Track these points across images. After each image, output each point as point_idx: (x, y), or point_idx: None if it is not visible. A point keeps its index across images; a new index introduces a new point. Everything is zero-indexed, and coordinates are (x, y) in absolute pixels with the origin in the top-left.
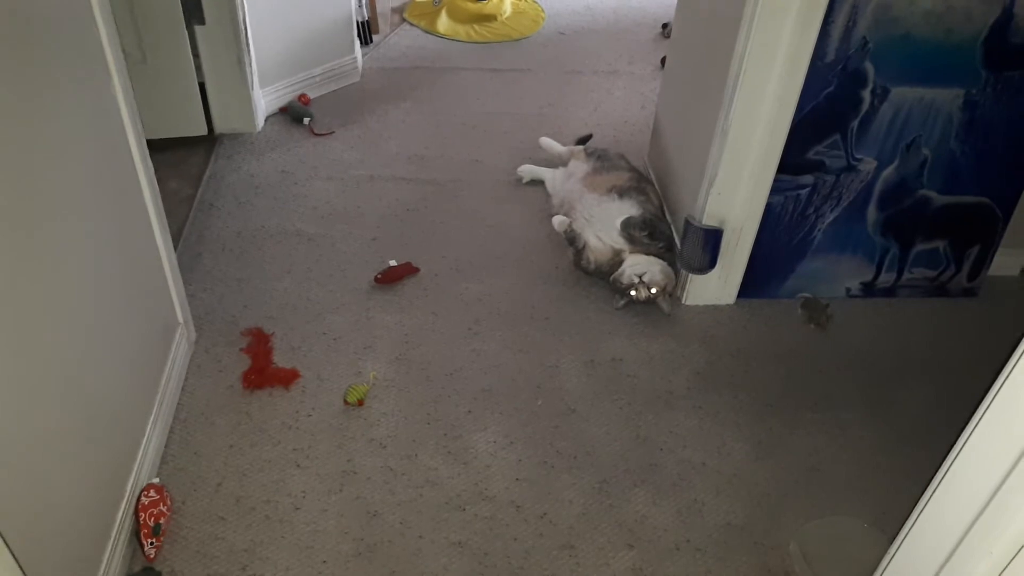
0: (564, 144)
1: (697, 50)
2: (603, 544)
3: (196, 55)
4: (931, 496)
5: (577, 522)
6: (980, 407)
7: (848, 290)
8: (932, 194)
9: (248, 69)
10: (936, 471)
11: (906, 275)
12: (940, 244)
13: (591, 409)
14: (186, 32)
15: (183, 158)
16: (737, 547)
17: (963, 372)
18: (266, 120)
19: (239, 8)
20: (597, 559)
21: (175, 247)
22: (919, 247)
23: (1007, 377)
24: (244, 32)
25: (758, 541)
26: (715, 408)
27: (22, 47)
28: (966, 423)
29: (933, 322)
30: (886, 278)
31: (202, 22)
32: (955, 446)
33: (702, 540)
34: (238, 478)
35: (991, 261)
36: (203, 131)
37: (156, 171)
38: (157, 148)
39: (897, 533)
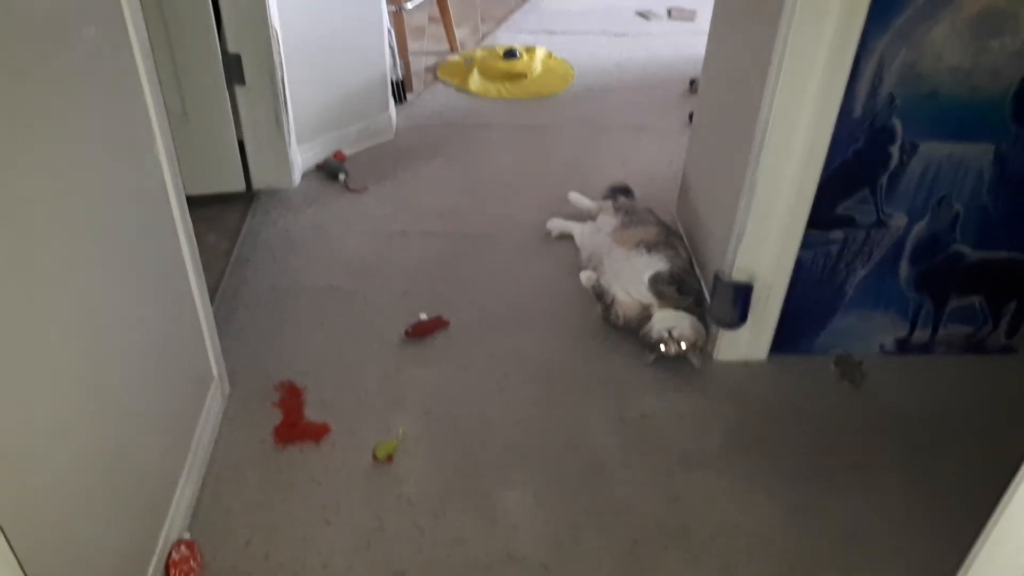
0: (593, 199)
1: (724, 106)
2: None
3: (236, 113)
4: (972, 563)
5: None
6: (1021, 468)
7: (882, 346)
8: (966, 249)
9: (286, 128)
10: (977, 536)
11: (941, 331)
12: (976, 300)
13: (621, 467)
14: (227, 92)
15: (221, 213)
16: None
17: (1003, 431)
18: (302, 176)
19: (278, 69)
20: None
21: (211, 301)
22: (954, 303)
23: None
24: (283, 92)
25: None
26: (747, 467)
27: (70, 106)
28: (1007, 485)
29: (971, 380)
30: (921, 334)
31: (243, 82)
32: (996, 510)
33: None
34: (267, 534)
35: None
36: (241, 187)
37: (194, 226)
38: (196, 203)
39: None
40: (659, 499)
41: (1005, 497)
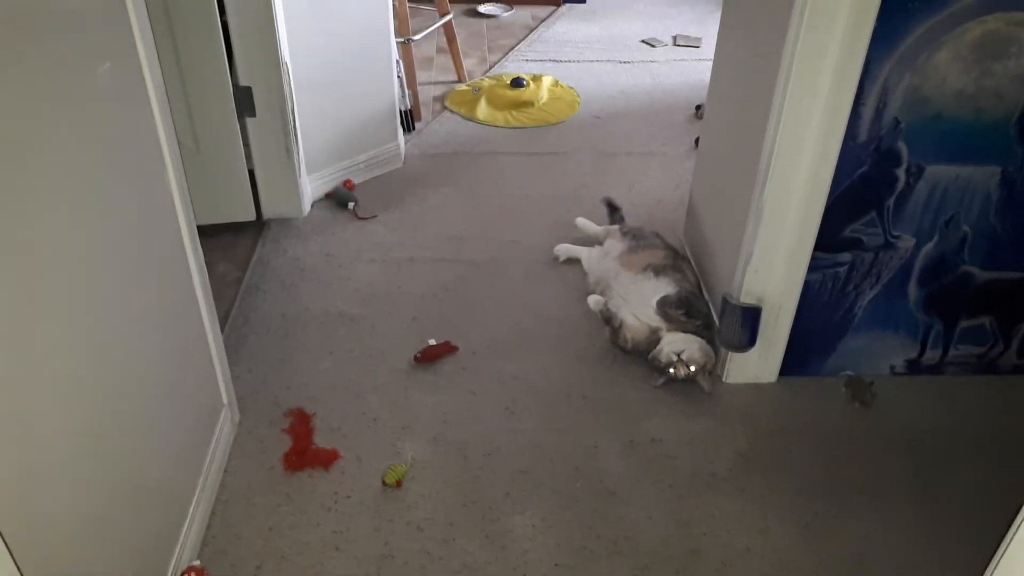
0: (600, 224)
1: (730, 131)
2: None
3: (246, 144)
4: None
5: None
6: None
7: (892, 368)
8: (974, 270)
9: (296, 158)
10: (991, 558)
11: (952, 352)
12: (986, 320)
13: (631, 491)
14: (238, 123)
15: (232, 242)
16: None
17: (1015, 452)
18: (312, 205)
19: (288, 100)
20: None
21: (222, 329)
22: (964, 323)
23: None
24: (293, 123)
25: None
26: (758, 490)
27: (84, 142)
28: (1020, 505)
29: (982, 400)
30: (931, 355)
31: (253, 114)
32: (1009, 531)
33: None
34: (277, 561)
35: None
36: (252, 216)
37: (205, 255)
38: (207, 233)
39: None
40: (669, 523)
41: (1017, 520)
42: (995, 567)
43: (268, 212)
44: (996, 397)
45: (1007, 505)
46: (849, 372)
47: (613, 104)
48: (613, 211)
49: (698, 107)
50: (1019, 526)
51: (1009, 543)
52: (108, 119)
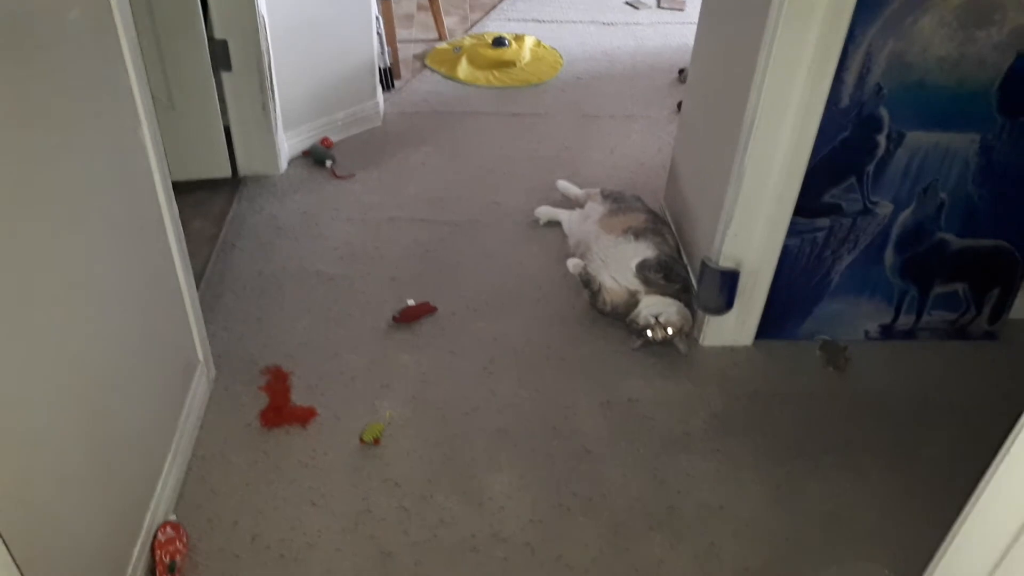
0: (581, 187)
1: (712, 95)
2: None
3: (222, 100)
4: (952, 542)
5: (592, 566)
6: (1000, 451)
7: (867, 332)
8: (950, 237)
9: (272, 114)
10: (957, 517)
11: (925, 318)
12: (959, 287)
13: (607, 451)
14: (213, 78)
15: (207, 199)
16: None
17: (984, 416)
18: (289, 163)
19: (265, 55)
20: None
21: (197, 286)
22: (938, 290)
23: None
24: (269, 78)
25: None
26: (733, 451)
27: (55, 93)
28: (987, 467)
29: (953, 365)
30: (905, 321)
31: (229, 68)
32: (975, 491)
33: None
34: (254, 516)
35: (1012, 304)
36: (227, 173)
37: (180, 212)
38: (182, 189)
39: None
40: (645, 482)
41: (985, 479)
42: (963, 523)
43: (244, 169)
44: (967, 362)
45: (976, 466)
46: (824, 336)
47: (596, 66)
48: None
49: (681, 71)
50: (987, 485)
51: (977, 501)
52: (79, 70)
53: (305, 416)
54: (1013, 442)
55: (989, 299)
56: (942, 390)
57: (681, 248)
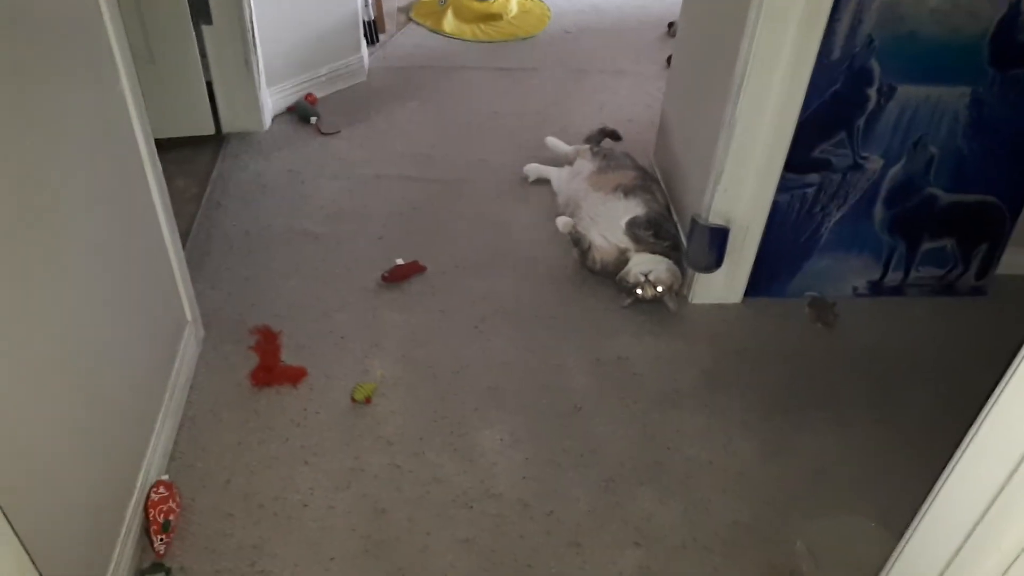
0: (570, 143)
1: (702, 49)
2: (610, 542)
3: (203, 55)
4: (938, 494)
5: (584, 520)
6: (986, 405)
7: (855, 289)
8: (939, 192)
9: (255, 69)
10: (943, 469)
11: (913, 274)
12: (947, 242)
13: (597, 407)
14: (193, 32)
15: (190, 157)
16: (744, 545)
17: (971, 371)
18: (273, 119)
19: (246, 8)
20: (604, 557)
21: (183, 245)
22: (926, 245)
23: (1013, 375)
24: (251, 32)
25: (765, 539)
26: (722, 407)
27: (30, 47)
28: (973, 421)
29: (941, 321)
30: (893, 277)
31: (209, 22)
32: (962, 444)
33: (709, 538)
34: (246, 475)
35: (999, 260)
36: (211, 130)
37: (164, 170)
38: (164, 147)
39: (904, 531)
40: (634, 438)
41: (971, 433)
42: (948, 477)
43: (227, 126)
44: (954, 318)
45: (962, 420)
46: (813, 293)
47: (584, 19)
48: (612, 136)
49: (671, 24)
50: (971, 440)
51: (963, 454)
52: (55, 24)
53: (296, 376)
54: (999, 396)
55: (977, 255)
56: (930, 346)
57: (671, 205)
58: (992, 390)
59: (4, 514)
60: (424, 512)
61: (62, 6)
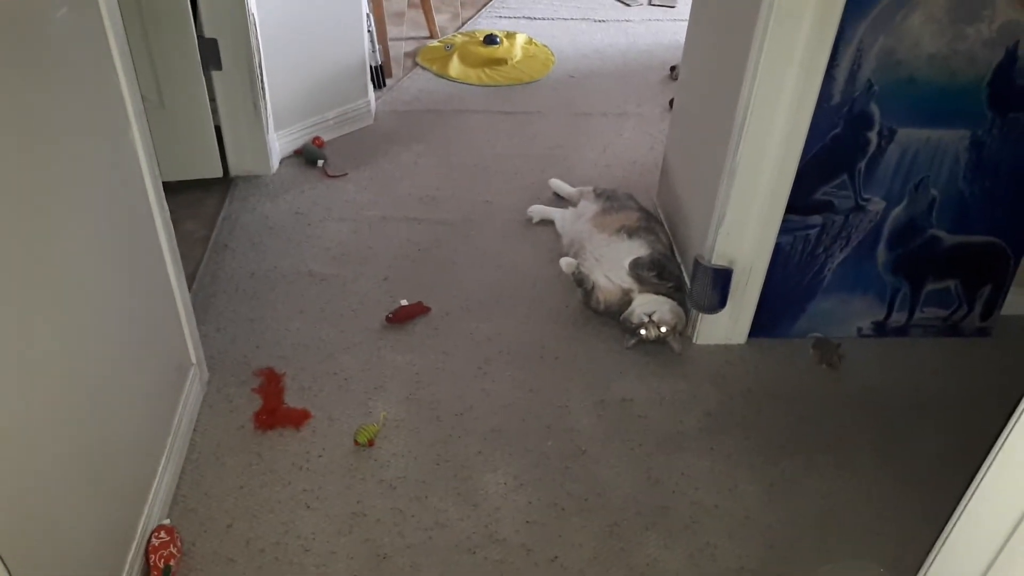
0: (574, 185)
1: (704, 92)
2: None
3: (213, 99)
4: (946, 540)
5: (588, 566)
6: (994, 448)
7: (860, 330)
8: (942, 234)
9: (263, 113)
10: (951, 514)
11: (918, 314)
12: (951, 284)
13: (602, 450)
14: (203, 77)
15: (198, 200)
16: None
17: (977, 412)
18: (281, 162)
19: (255, 54)
20: None
21: (189, 288)
22: (930, 286)
23: (1019, 417)
24: (260, 77)
25: None
26: (727, 449)
27: (43, 92)
28: (980, 464)
29: (946, 362)
30: (898, 317)
31: (219, 67)
32: (970, 488)
33: None
34: (248, 519)
35: (1004, 301)
36: (219, 173)
37: (171, 212)
38: (173, 190)
39: None
40: (639, 481)
41: (979, 476)
42: (957, 521)
43: (235, 169)
44: (960, 359)
45: (969, 462)
46: (817, 334)
47: (587, 63)
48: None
49: (673, 68)
50: (980, 483)
51: (971, 499)
52: (67, 70)
53: (299, 418)
54: (1006, 439)
55: (981, 296)
56: (935, 387)
57: (674, 246)
58: (999, 432)
59: (3, 561)
60: (426, 558)
61: (75, 53)
